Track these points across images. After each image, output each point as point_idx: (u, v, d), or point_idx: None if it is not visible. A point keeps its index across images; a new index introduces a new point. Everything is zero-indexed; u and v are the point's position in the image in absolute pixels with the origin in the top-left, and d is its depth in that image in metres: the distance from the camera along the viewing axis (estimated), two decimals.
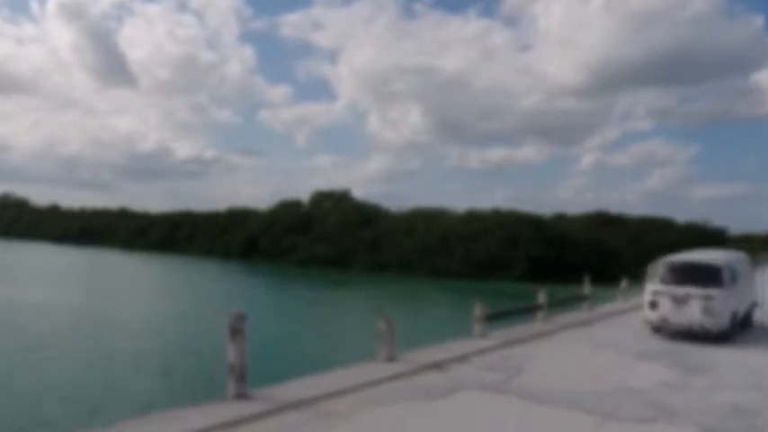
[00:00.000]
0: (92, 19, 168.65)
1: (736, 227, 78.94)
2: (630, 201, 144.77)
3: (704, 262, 13.67)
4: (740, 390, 9.40)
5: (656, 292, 13.39)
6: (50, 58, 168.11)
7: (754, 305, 15.67)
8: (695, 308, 12.76)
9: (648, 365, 10.99)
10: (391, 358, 10.89)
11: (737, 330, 13.80)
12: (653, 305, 13.40)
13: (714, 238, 63.98)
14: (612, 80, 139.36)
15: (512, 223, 60.48)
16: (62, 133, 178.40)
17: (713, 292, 12.70)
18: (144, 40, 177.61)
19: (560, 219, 71.03)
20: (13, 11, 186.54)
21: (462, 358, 11.29)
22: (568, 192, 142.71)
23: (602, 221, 68.36)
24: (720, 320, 12.72)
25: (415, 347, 11.97)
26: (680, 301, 12.96)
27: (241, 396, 8.45)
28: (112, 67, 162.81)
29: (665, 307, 13.13)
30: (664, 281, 13.53)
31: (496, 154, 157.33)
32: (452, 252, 58.43)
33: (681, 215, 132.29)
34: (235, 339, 8.43)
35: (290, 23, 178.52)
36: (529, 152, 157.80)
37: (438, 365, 10.66)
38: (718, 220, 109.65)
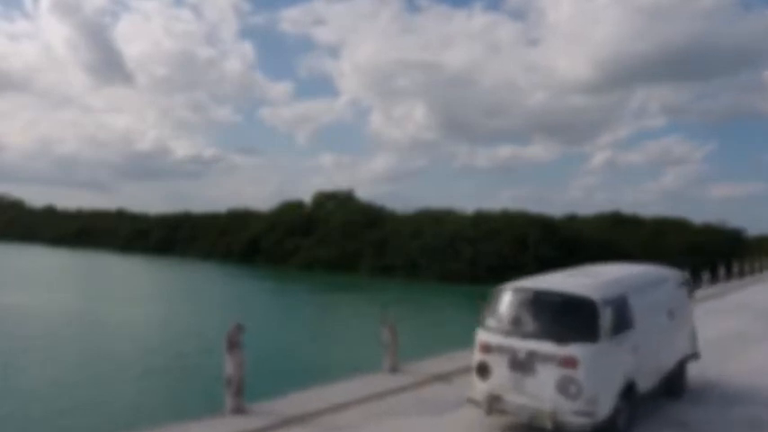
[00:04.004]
0: (87, 14, 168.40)
1: (754, 227, 76.74)
2: (644, 200, 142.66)
3: (566, 293, 7.61)
4: None
5: (486, 348, 7.70)
6: (44, 55, 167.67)
7: (687, 358, 9.87)
8: (545, 380, 7.08)
9: None
10: (395, 369, 10.59)
11: (636, 411, 7.90)
12: (482, 370, 7.71)
13: (732, 239, 61.91)
14: (624, 75, 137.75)
15: (521, 224, 58.75)
16: (57, 132, 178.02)
17: (578, 350, 6.94)
18: (140, 36, 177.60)
19: (572, 219, 69.30)
20: (5, 6, 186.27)
21: (469, 369, 10.44)
22: (579, 191, 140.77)
23: (615, 222, 66.49)
24: (591, 404, 6.91)
25: (422, 356, 11.64)
26: (521, 366, 7.25)
27: (239, 411, 8.11)
28: (108, 64, 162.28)
29: (500, 375, 7.48)
30: (501, 327, 7.75)
31: (504, 152, 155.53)
32: (461, 254, 56.75)
33: (697, 215, 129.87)
34: (232, 352, 8.03)
35: (291, 18, 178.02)
36: (538, 150, 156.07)
37: (444, 377, 10.25)
38: (735, 220, 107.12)
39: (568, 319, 7.37)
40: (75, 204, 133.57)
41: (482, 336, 7.81)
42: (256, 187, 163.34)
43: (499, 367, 7.45)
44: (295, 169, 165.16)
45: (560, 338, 7.06)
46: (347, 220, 69.10)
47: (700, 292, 26.90)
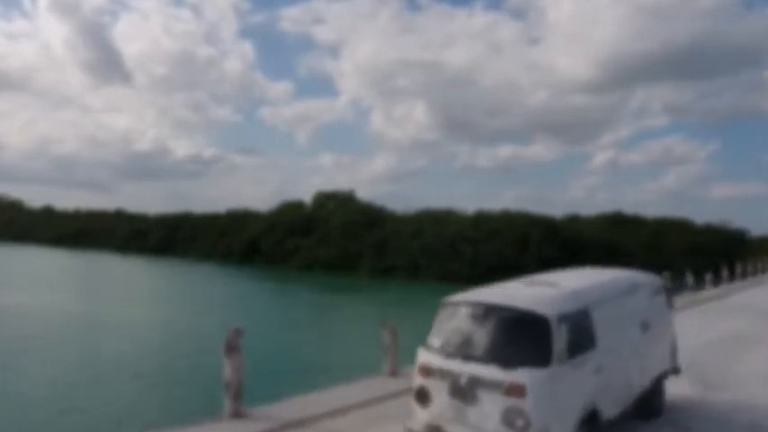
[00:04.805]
0: (85, 14, 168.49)
1: (757, 228, 76.25)
2: (646, 200, 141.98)
3: (514, 307, 6.53)
4: None
5: (427, 371, 6.64)
6: (43, 55, 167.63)
7: (665, 374, 8.86)
8: (489, 411, 6.06)
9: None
10: (395, 372, 10.55)
11: None
12: (421, 396, 6.68)
13: (734, 239, 61.74)
14: (626, 75, 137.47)
15: (522, 225, 58.68)
16: (56, 132, 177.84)
17: (526, 376, 5.94)
18: (139, 35, 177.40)
19: (573, 220, 69.13)
20: (4, 5, 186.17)
21: None
22: (581, 191, 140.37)
23: (617, 222, 66.35)
24: None
25: None
26: (463, 393, 6.24)
27: (238, 415, 8.03)
28: (107, 64, 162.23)
29: (440, 403, 6.46)
30: (443, 347, 6.70)
31: (505, 152, 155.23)
32: (462, 255, 56.61)
33: (699, 215, 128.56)
34: (231, 356, 7.96)
35: (291, 17, 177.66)
36: (539, 150, 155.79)
37: None
38: (738, 220, 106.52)
39: (517, 338, 6.33)
40: (73, 204, 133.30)
41: (422, 356, 6.72)
42: (256, 187, 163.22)
43: (440, 394, 6.40)
44: (295, 169, 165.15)
45: (506, 362, 6.04)
46: (347, 220, 68.97)
47: (703, 293, 26.84)
